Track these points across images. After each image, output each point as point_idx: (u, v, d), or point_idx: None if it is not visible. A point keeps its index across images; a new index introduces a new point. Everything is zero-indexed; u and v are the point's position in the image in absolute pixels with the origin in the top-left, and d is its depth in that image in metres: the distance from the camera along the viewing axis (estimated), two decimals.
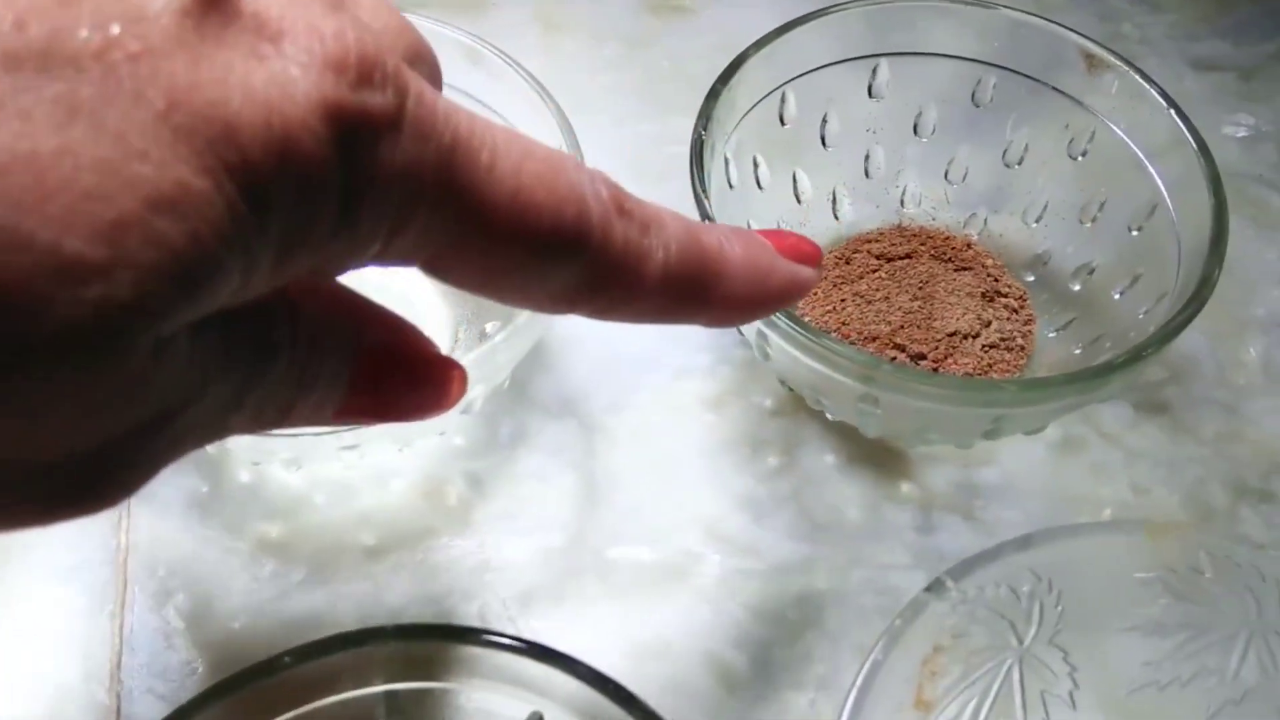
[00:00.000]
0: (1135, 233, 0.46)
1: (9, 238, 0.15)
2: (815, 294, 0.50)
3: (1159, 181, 0.45)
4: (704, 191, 0.42)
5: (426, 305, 0.48)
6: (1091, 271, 0.48)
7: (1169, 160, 0.45)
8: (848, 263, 0.51)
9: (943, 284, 0.50)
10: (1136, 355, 0.39)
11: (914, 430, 0.44)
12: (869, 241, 0.51)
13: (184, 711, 0.32)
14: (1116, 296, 0.47)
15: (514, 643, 0.34)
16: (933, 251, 0.51)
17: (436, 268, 0.21)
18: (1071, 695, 0.38)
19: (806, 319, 0.49)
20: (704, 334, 0.50)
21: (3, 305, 0.15)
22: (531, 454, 0.47)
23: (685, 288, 0.25)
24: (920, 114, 0.50)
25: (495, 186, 0.21)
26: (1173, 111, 0.45)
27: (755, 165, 0.48)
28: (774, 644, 0.43)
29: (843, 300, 0.49)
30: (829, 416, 0.46)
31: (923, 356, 0.47)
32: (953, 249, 0.51)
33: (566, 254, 0.22)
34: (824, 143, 0.50)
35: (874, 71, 0.49)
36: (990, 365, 0.48)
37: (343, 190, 0.18)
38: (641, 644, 0.43)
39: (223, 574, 0.43)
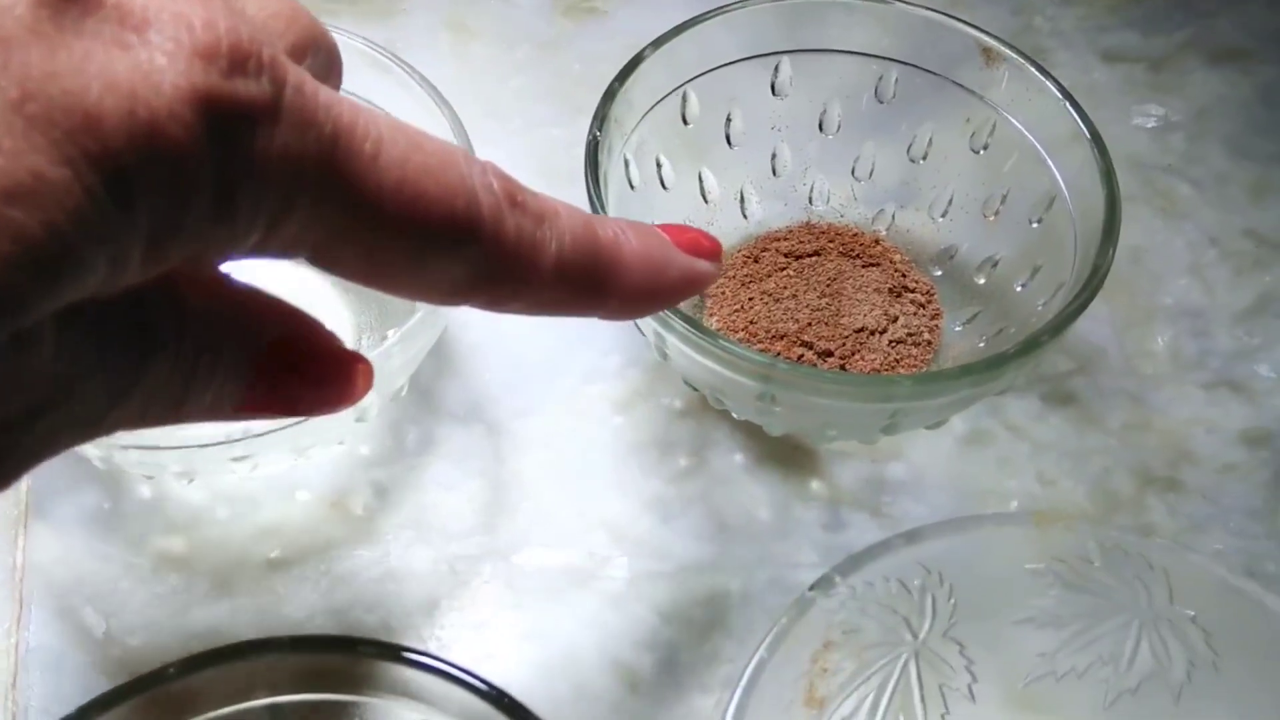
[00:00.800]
0: (1035, 225, 0.46)
1: None
2: (723, 293, 0.50)
3: (1057, 174, 0.45)
4: (598, 192, 0.42)
5: (329, 311, 0.48)
6: (995, 264, 0.48)
7: (1066, 152, 0.45)
8: (756, 261, 0.50)
9: (850, 280, 0.50)
10: (1029, 346, 0.39)
11: (815, 428, 0.44)
12: (777, 239, 0.51)
13: None
14: (1019, 288, 0.47)
15: (404, 654, 0.34)
16: (841, 248, 0.51)
17: (323, 259, 0.21)
18: (970, 688, 0.38)
19: (714, 319, 0.49)
20: (612, 337, 0.50)
21: None
22: (438, 461, 0.47)
23: (580, 280, 0.25)
24: (825, 111, 0.50)
25: (380, 177, 0.20)
26: (1068, 104, 0.45)
27: (659, 165, 0.48)
28: (681, 646, 0.43)
29: (751, 299, 0.49)
30: (734, 416, 0.46)
31: (830, 354, 0.47)
32: (861, 245, 0.51)
33: (457, 245, 0.22)
34: (729, 141, 0.50)
35: (776, 69, 0.49)
36: (897, 360, 0.48)
37: (217, 179, 0.18)
38: (548, 650, 0.43)
39: (122, 590, 0.43)
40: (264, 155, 0.19)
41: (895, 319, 0.48)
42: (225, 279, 0.23)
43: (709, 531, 0.45)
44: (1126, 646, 0.37)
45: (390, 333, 0.45)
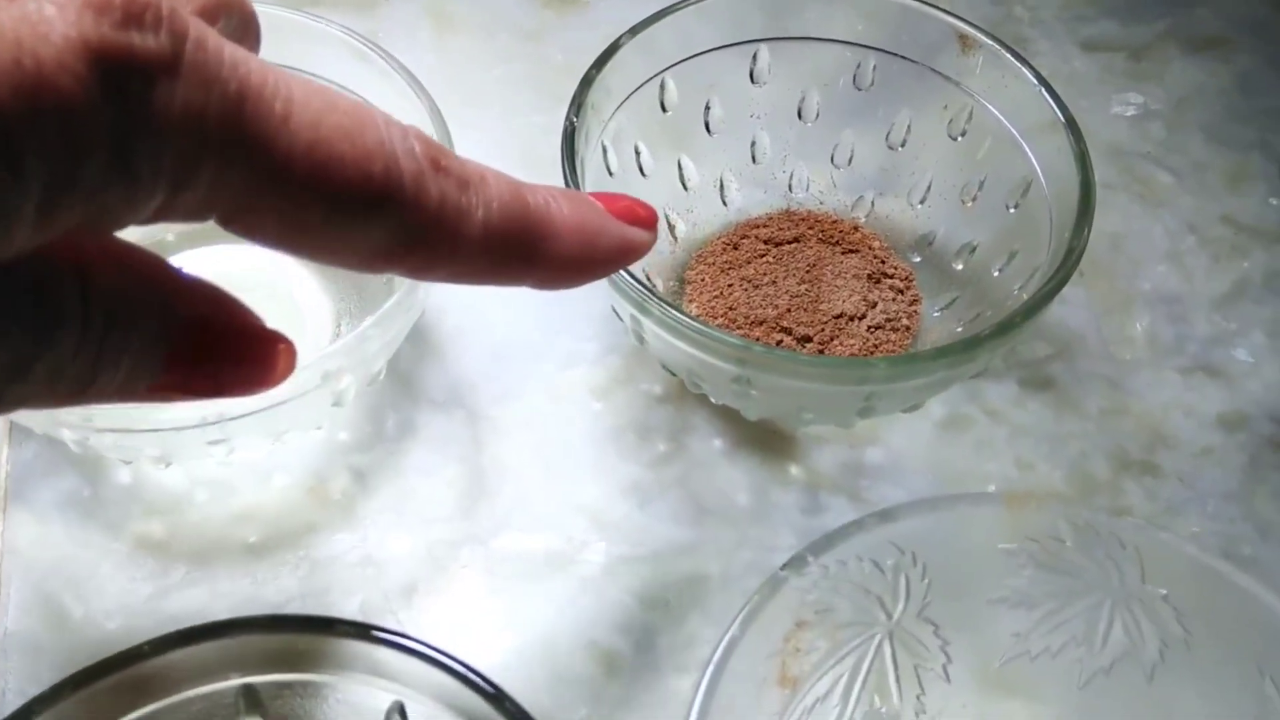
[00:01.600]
0: (1012, 210, 0.47)
1: None
2: (703, 280, 0.50)
3: (1033, 159, 0.46)
4: (575, 179, 0.42)
5: (309, 299, 0.48)
6: (973, 250, 0.49)
7: (1042, 138, 0.45)
8: (735, 248, 0.51)
9: (830, 267, 0.50)
10: (1004, 328, 0.40)
11: (792, 411, 0.44)
12: (757, 227, 0.51)
13: (31, 708, 0.32)
14: (996, 274, 0.47)
15: (377, 634, 0.34)
16: (820, 235, 0.51)
17: (234, 224, 0.21)
18: (945, 669, 0.38)
19: (693, 305, 0.49)
20: (592, 322, 0.50)
21: None
22: (417, 446, 0.47)
23: (509, 247, 0.24)
24: (803, 99, 0.51)
25: (291, 138, 0.20)
26: (1043, 90, 0.45)
27: (637, 153, 0.48)
28: (658, 629, 0.43)
29: (730, 285, 0.49)
30: (712, 401, 0.46)
31: (809, 339, 0.48)
32: (840, 232, 0.51)
33: (375, 210, 0.22)
34: (708, 129, 0.50)
35: (754, 57, 0.49)
36: (876, 346, 0.48)
37: (113, 137, 0.18)
38: (525, 634, 0.43)
39: (100, 574, 0.43)
40: (164, 113, 0.18)
41: (874, 305, 0.49)
42: (137, 252, 0.22)
43: (687, 516, 0.45)
44: (1099, 626, 0.38)
45: (371, 320, 0.46)
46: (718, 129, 0.50)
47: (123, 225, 0.20)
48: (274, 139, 0.20)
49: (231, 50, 0.20)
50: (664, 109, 0.49)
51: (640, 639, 0.43)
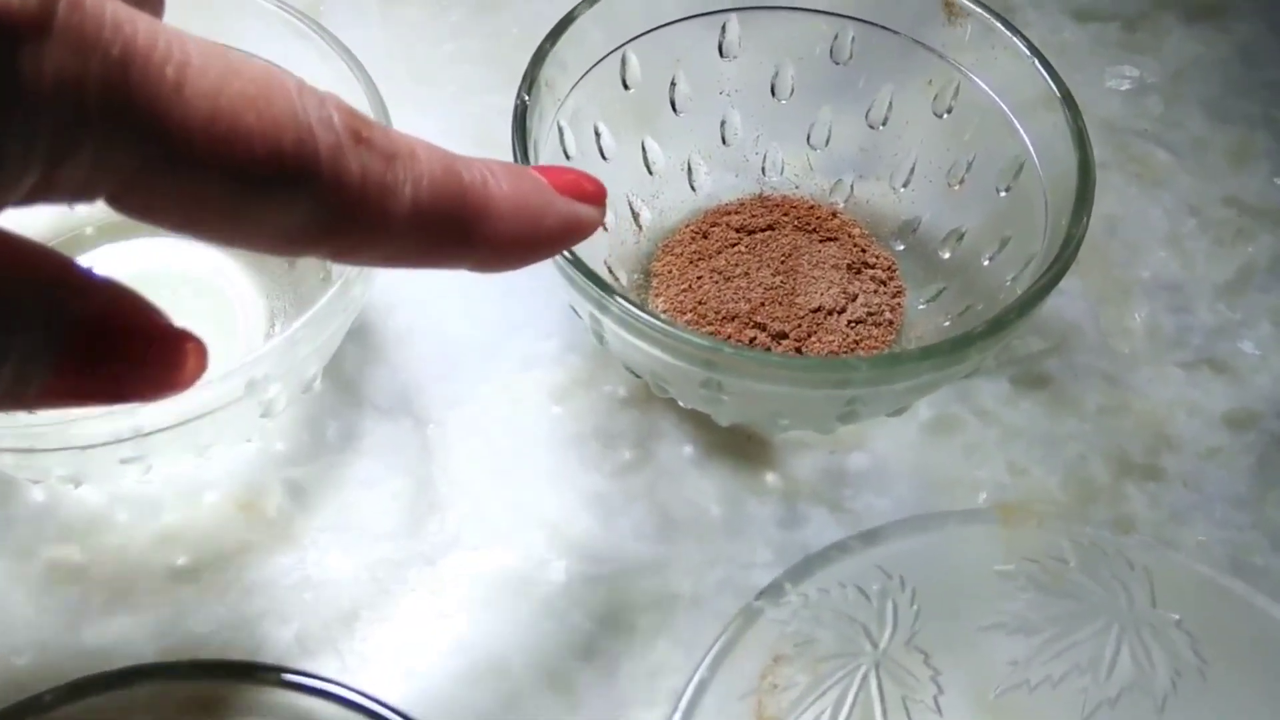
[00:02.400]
0: (1003, 194, 0.43)
1: None
2: (671, 272, 0.46)
3: (1025, 137, 0.42)
4: (527, 163, 0.39)
5: (240, 297, 0.44)
6: (961, 237, 0.45)
7: (1035, 115, 0.42)
8: (705, 237, 0.47)
9: (807, 257, 0.46)
10: (996, 326, 0.36)
11: (767, 417, 0.40)
12: (729, 214, 0.48)
13: None
14: (986, 263, 0.43)
15: (300, 682, 0.30)
16: (796, 222, 0.47)
17: (128, 205, 0.19)
18: (936, 700, 0.35)
19: (660, 299, 0.45)
20: (552, 319, 0.46)
21: None
22: (361, 457, 0.43)
23: (441, 227, 0.23)
24: (777, 74, 0.47)
25: (186, 108, 0.18)
26: (1036, 62, 0.41)
27: (597, 134, 0.45)
28: (624, 656, 0.39)
29: (699, 278, 0.46)
30: (681, 405, 0.42)
31: (784, 335, 0.44)
32: (817, 219, 0.47)
33: (286, 188, 0.20)
34: (674, 108, 0.47)
35: (723, 28, 0.45)
36: (856, 342, 0.44)
37: None
38: (478, 663, 0.39)
39: (8, 604, 0.39)
40: (33, 80, 0.16)
41: (854, 297, 0.45)
42: (21, 244, 0.20)
43: (655, 530, 0.42)
44: (1106, 653, 0.34)
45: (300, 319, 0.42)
46: (684, 107, 0.47)
47: None
48: (166, 109, 0.18)
49: (115, 9, 0.18)
50: (626, 86, 0.45)
51: (604, 667, 0.39)
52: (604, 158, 0.45)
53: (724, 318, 0.44)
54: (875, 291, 0.46)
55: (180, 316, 0.23)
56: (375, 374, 0.45)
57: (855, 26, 0.45)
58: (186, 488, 0.42)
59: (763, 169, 0.49)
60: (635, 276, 0.46)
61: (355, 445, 0.43)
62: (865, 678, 0.34)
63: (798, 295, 0.45)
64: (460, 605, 0.40)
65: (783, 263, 0.46)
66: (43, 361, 0.20)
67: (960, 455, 0.44)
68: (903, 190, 0.47)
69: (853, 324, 0.44)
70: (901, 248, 0.47)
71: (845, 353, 0.44)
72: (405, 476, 0.43)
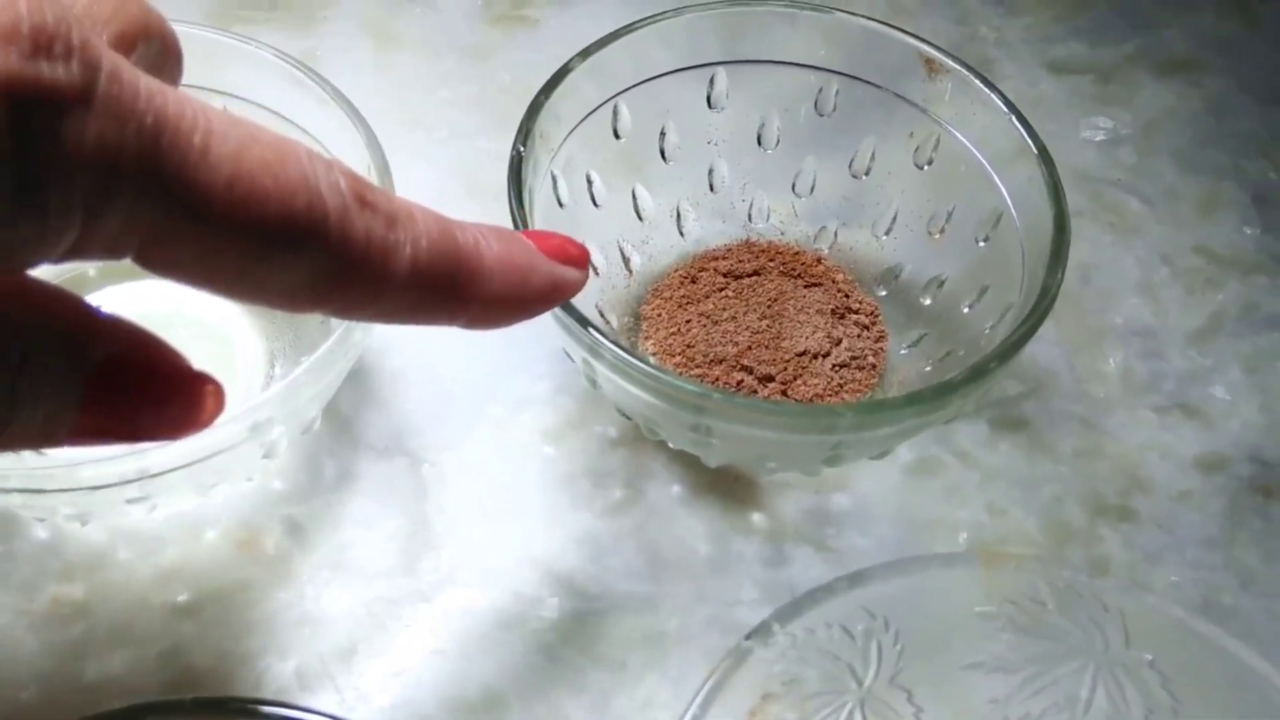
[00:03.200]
0: (982, 243, 0.45)
1: None
2: (660, 315, 0.47)
3: (1003, 189, 0.44)
4: (522, 210, 0.40)
5: (240, 338, 0.45)
6: (941, 284, 0.46)
7: (1013, 168, 0.43)
8: (694, 281, 0.48)
9: (792, 301, 0.47)
10: (977, 373, 0.37)
11: (754, 459, 0.42)
12: (716, 259, 0.49)
13: None
14: (965, 310, 0.45)
15: (298, 716, 0.31)
16: (782, 268, 0.49)
17: (151, 261, 0.20)
18: None
19: (650, 342, 0.47)
20: (544, 362, 0.47)
21: None
22: (357, 497, 0.44)
23: (437, 286, 0.24)
24: (763, 124, 0.48)
25: (210, 172, 0.20)
26: (1013, 117, 0.43)
27: (589, 182, 0.46)
28: (613, 691, 0.40)
29: (688, 321, 0.47)
30: (670, 445, 0.44)
31: (770, 378, 0.45)
32: (802, 264, 0.49)
33: (297, 246, 0.21)
34: (664, 156, 0.48)
35: (711, 81, 0.47)
36: (841, 385, 0.45)
37: (19, 171, 0.17)
38: (472, 699, 0.40)
39: (13, 639, 0.40)
40: (75, 147, 0.18)
41: (839, 342, 0.46)
42: (48, 289, 0.21)
43: (644, 568, 0.43)
44: (1082, 692, 0.36)
45: (304, 360, 0.43)
46: (674, 156, 0.48)
47: (33, 264, 0.19)
48: (192, 173, 0.19)
49: (148, 82, 0.19)
50: (617, 135, 0.46)
51: (595, 702, 0.40)
52: (596, 205, 0.46)
53: (712, 360, 0.46)
54: (859, 336, 0.47)
55: None
56: (371, 415, 0.46)
57: (839, 80, 0.47)
58: (187, 525, 0.43)
59: (749, 216, 0.50)
60: (625, 319, 0.48)
61: (352, 485, 0.44)
62: (850, 715, 0.35)
63: (784, 339, 0.46)
64: (455, 641, 0.41)
65: (769, 307, 0.47)
66: (74, 402, 0.21)
67: (941, 496, 0.45)
68: (885, 238, 0.48)
69: (837, 368, 0.46)
70: (884, 294, 0.48)
71: (830, 395, 0.45)
72: (401, 515, 0.44)
